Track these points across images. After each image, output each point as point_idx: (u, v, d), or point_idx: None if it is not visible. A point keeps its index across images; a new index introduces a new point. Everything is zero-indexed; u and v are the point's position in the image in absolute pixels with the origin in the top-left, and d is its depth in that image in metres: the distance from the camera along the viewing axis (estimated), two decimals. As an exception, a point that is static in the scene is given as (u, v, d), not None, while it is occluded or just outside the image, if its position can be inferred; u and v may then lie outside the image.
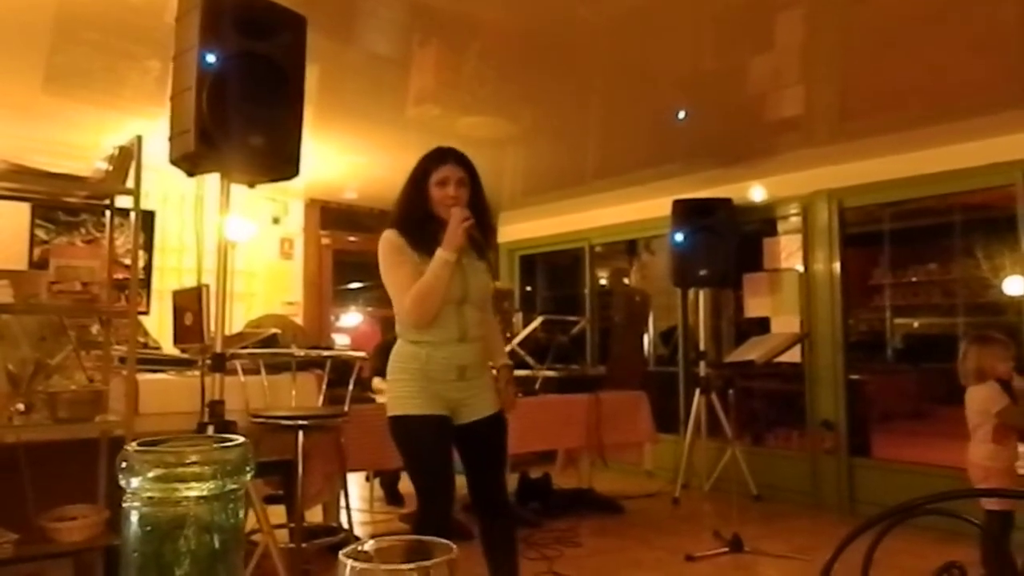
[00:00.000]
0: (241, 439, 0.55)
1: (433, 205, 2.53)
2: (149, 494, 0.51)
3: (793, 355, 5.17)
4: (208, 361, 2.73)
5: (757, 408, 6.00)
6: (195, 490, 0.51)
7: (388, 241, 2.51)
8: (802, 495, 5.29)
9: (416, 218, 2.53)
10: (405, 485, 4.88)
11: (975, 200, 5.59)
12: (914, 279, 7.81)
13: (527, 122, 4.88)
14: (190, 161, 2.57)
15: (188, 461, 0.51)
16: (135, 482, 0.50)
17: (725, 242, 5.38)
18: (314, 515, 4.02)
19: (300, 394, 3.68)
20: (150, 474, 0.50)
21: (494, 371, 2.69)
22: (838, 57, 3.81)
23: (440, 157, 2.57)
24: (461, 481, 2.59)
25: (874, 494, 4.91)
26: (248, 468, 0.54)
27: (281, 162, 2.69)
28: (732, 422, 5.14)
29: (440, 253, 2.42)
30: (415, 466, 2.51)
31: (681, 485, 5.37)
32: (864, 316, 7.87)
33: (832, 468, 5.19)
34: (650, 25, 3.44)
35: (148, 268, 5.60)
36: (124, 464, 0.51)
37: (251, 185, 2.86)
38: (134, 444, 0.53)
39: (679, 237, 5.49)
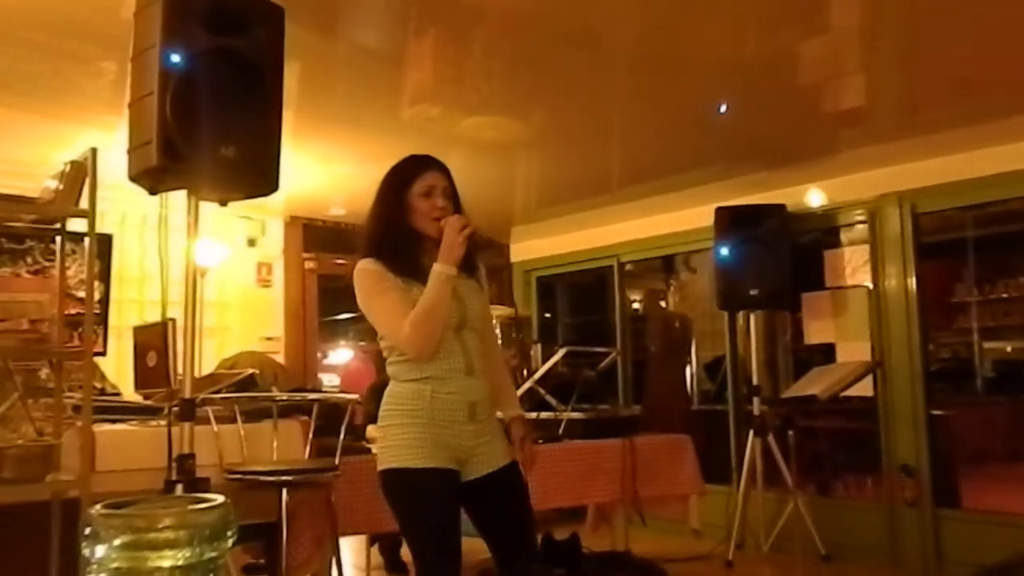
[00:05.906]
0: (220, 499, 0.55)
1: (416, 219, 2.52)
2: (116, 564, 0.51)
3: (864, 388, 5.14)
4: (175, 408, 2.74)
5: (822, 451, 5.94)
6: (168, 559, 0.52)
7: (365, 270, 2.48)
8: (879, 554, 5.23)
9: (395, 237, 2.51)
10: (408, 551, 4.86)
11: (1074, 200, 5.55)
12: (1005, 295, 7.73)
13: (542, 121, 4.91)
14: (152, 176, 2.60)
15: (161, 526, 0.52)
16: (100, 551, 0.51)
17: (779, 256, 5.37)
18: (301, 588, 4.02)
19: (283, 445, 3.69)
20: (117, 541, 0.51)
21: (500, 418, 2.67)
22: (906, 38, 3.82)
23: (422, 164, 2.56)
24: (467, 546, 2.55)
25: (965, 551, 4.84)
26: (229, 533, 0.54)
27: (257, 175, 2.72)
28: (793, 469, 5.09)
29: (438, 267, 2.40)
30: (416, 529, 2.46)
31: (735, 545, 5.32)
32: (947, 340, 7.79)
33: (914, 521, 5.13)
34: (685, 4, 3.47)
35: (105, 301, 5.63)
36: (88, 530, 0.52)
37: (223, 203, 2.88)
38: (99, 507, 0.53)
39: (724, 251, 5.50)
